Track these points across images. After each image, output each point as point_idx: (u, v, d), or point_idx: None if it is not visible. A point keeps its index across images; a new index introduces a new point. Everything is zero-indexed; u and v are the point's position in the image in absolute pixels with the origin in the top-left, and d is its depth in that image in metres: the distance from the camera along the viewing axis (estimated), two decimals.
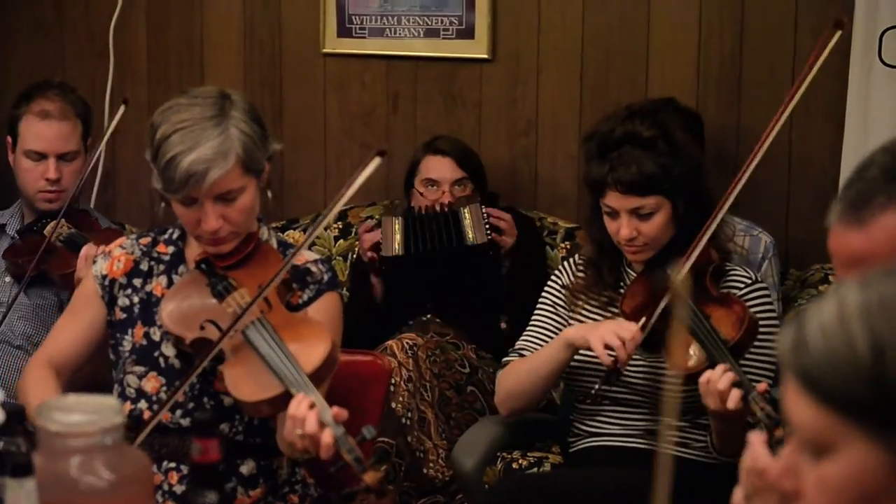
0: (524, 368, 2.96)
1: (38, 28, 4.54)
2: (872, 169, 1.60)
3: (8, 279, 3.45)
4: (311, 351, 2.34)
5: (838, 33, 2.59)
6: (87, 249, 3.08)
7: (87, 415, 1.73)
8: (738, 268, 2.95)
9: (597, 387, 2.80)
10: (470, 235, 3.69)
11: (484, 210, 3.71)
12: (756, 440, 1.48)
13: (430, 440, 3.41)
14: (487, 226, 3.70)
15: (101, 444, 1.71)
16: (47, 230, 3.39)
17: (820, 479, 1.20)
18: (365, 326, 3.63)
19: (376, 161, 2.29)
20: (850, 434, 1.17)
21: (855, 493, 1.18)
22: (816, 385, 1.19)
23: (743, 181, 2.69)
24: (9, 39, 4.56)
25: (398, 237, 3.73)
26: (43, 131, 3.47)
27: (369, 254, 3.76)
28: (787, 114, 2.66)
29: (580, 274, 3.00)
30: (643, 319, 2.76)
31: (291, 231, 4.10)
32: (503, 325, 3.69)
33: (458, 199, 3.75)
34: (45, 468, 1.71)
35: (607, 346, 2.72)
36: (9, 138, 3.56)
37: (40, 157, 3.48)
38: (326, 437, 2.20)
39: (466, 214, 3.71)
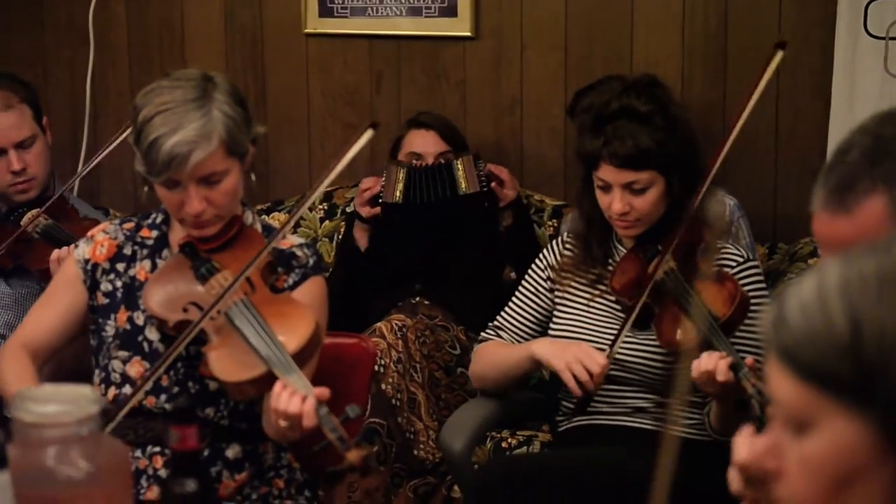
0: (493, 359, 3.01)
1: (18, 15, 4.50)
2: (853, 152, 1.57)
3: None
4: (295, 332, 2.32)
5: (780, 53, 2.68)
6: (57, 253, 3.05)
7: (63, 405, 1.70)
8: (729, 246, 2.93)
9: (572, 417, 2.82)
10: (463, 185, 3.75)
11: (480, 163, 3.77)
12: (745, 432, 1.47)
13: (420, 421, 3.40)
14: (483, 178, 3.75)
15: (78, 434, 1.69)
16: (24, 221, 3.36)
17: (801, 456, 1.19)
18: (353, 287, 3.72)
19: (368, 133, 2.33)
20: (830, 409, 1.15)
21: (836, 469, 1.16)
22: (796, 360, 1.17)
23: (716, 168, 2.70)
24: None
25: (400, 185, 3.77)
26: None
27: (367, 208, 3.80)
28: (736, 132, 2.74)
29: (567, 251, 2.98)
30: (609, 349, 2.78)
31: (276, 213, 4.08)
32: (512, 276, 3.70)
33: (452, 152, 3.79)
34: (21, 459, 1.69)
35: (576, 376, 2.75)
36: None
37: None
38: (307, 406, 2.19)
39: (459, 165, 3.76)
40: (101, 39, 4.40)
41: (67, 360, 2.76)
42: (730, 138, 2.72)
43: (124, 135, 2.81)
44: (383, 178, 3.80)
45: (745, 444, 1.47)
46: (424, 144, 3.77)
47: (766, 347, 1.23)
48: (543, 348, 2.87)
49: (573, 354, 2.75)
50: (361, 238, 3.85)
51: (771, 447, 1.25)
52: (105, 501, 1.69)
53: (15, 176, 3.43)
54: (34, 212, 3.35)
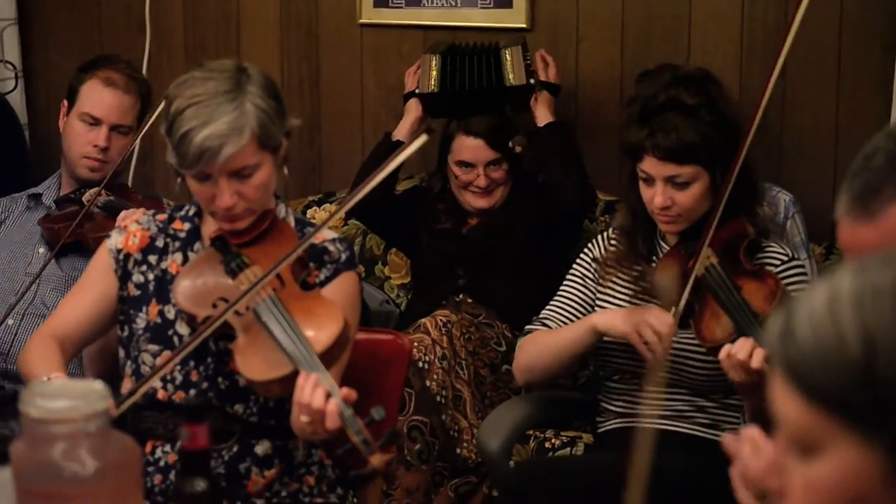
0: (546, 343, 2.88)
1: (75, 2, 4.51)
2: (877, 157, 1.50)
3: (42, 250, 3.43)
4: (323, 330, 2.28)
5: None
6: (125, 213, 3.06)
7: (72, 400, 1.68)
8: (775, 245, 2.85)
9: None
10: (511, 76, 3.71)
11: (528, 54, 3.73)
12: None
13: (465, 419, 3.35)
14: (530, 70, 3.71)
15: (85, 430, 1.66)
16: (86, 197, 3.37)
17: (806, 479, 1.12)
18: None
19: (423, 138, 2.26)
20: (838, 434, 1.09)
21: (841, 497, 1.10)
22: (803, 380, 1.10)
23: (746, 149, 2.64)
24: (45, 14, 4.54)
25: (434, 73, 3.76)
26: (105, 97, 3.46)
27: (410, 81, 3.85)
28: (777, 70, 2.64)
29: (612, 246, 2.92)
30: (674, 308, 2.66)
31: (328, 205, 4.05)
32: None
33: (502, 41, 3.78)
34: (27, 455, 1.67)
35: (644, 340, 2.65)
36: (65, 102, 3.54)
37: (95, 121, 3.46)
38: (331, 406, 2.15)
39: (508, 56, 3.73)
40: (157, 29, 4.40)
41: (110, 344, 2.74)
42: (766, 93, 2.64)
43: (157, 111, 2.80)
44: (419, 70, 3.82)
45: (747, 450, 1.41)
46: (474, 153, 3.70)
47: (770, 360, 1.16)
48: (606, 317, 2.77)
49: (640, 318, 2.66)
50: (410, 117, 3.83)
51: (774, 464, 1.19)
52: (111, 499, 1.67)
53: (95, 150, 3.45)
54: (95, 189, 3.35)
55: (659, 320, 2.63)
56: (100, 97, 3.45)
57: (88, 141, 3.45)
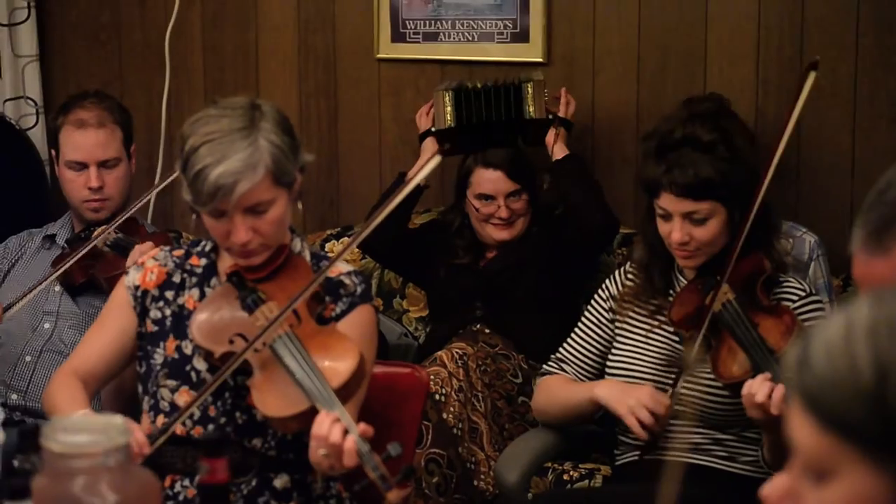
0: (556, 396, 2.98)
1: (95, 39, 4.55)
2: (891, 191, 1.51)
3: (58, 288, 3.46)
4: (339, 366, 2.30)
5: (813, 74, 2.69)
6: (139, 248, 3.09)
7: (92, 435, 1.70)
8: (792, 280, 2.86)
9: (643, 455, 2.79)
10: (531, 109, 3.74)
11: (546, 89, 3.77)
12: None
13: (482, 451, 3.35)
14: (547, 107, 3.76)
15: (106, 464, 1.68)
16: (94, 235, 3.40)
17: None
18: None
19: (436, 159, 2.29)
20: (851, 460, 1.10)
21: None
22: (818, 406, 1.13)
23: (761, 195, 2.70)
24: (66, 51, 4.58)
25: (449, 108, 3.77)
26: (80, 140, 3.49)
27: (423, 119, 3.89)
28: (776, 159, 2.71)
29: (629, 281, 2.94)
30: (670, 389, 2.73)
31: (346, 238, 4.07)
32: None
33: (522, 75, 3.81)
34: (49, 489, 1.69)
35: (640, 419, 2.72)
36: (52, 151, 3.59)
37: (81, 166, 3.49)
38: (349, 443, 2.16)
39: (529, 89, 3.75)
40: (177, 63, 4.43)
41: (128, 382, 2.77)
42: (771, 165, 2.72)
43: None
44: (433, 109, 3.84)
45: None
46: (494, 185, 3.71)
47: (788, 388, 1.18)
48: (606, 392, 2.85)
49: (636, 398, 2.73)
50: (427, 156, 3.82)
51: (789, 491, 1.20)
52: None
53: (91, 192, 3.49)
54: (104, 227, 3.38)
55: (653, 401, 2.71)
56: (77, 142, 3.49)
57: (82, 185, 3.49)
